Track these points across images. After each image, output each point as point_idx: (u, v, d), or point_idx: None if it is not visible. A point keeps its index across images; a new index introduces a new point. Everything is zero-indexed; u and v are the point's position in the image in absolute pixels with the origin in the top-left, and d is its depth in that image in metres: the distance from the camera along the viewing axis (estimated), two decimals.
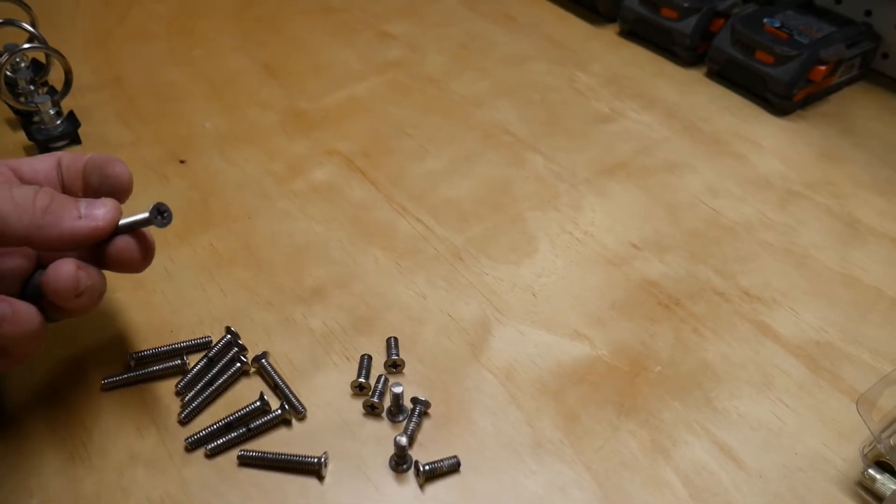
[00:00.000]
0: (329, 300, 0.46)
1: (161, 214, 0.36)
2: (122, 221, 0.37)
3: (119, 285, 0.47)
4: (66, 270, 0.34)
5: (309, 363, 0.43)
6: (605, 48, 0.72)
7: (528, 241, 0.51)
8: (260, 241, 0.50)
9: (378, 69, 0.68)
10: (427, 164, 0.57)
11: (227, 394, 0.41)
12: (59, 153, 0.40)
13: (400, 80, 0.67)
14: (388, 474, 0.38)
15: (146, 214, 0.36)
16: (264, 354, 0.42)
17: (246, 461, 0.38)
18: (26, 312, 0.34)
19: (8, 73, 0.57)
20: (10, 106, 0.57)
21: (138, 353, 0.42)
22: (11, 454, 0.38)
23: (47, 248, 0.35)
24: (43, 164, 0.39)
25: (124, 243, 0.37)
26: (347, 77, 0.67)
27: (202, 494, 0.37)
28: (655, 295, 0.47)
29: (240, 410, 0.40)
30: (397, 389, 0.39)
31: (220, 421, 0.39)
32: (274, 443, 0.39)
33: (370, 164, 0.57)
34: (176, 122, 0.60)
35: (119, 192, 0.38)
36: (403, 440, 0.37)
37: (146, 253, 0.38)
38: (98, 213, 0.35)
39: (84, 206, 0.35)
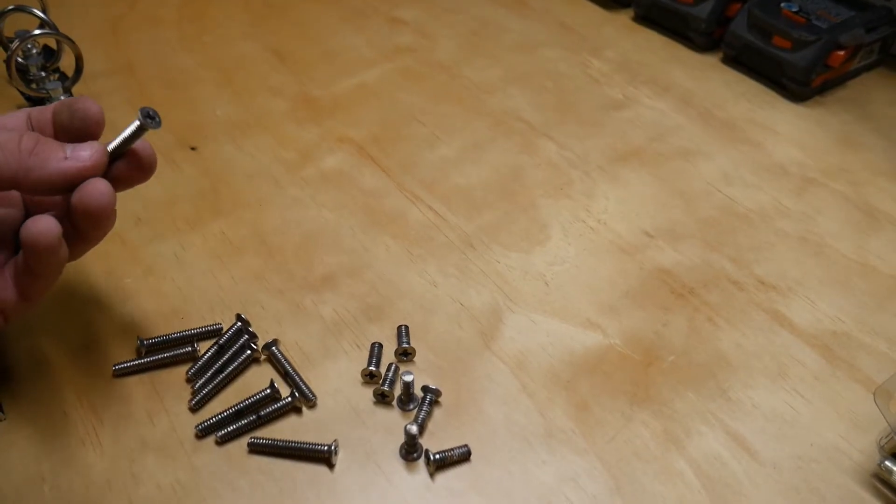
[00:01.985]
0: (340, 288, 0.46)
1: (151, 118, 0.36)
2: (112, 144, 0.37)
3: (129, 271, 0.47)
4: (102, 185, 0.35)
5: (319, 351, 0.43)
6: (619, 33, 0.71)
7: (540, 228, 0.51)
8: (270, 229, 0.50)
9: (389, 55, 0.68)
10: (439, 152, 0.57)
11: (237, 381, 0.41)
12: (27, 108, 0.39)
13: (411, 66, 0.66)
14: (398, 463, 0.38)
15: (136, 123, 0.36)
16: (275, 342, 0.42)
17: (256, 448, 0.38)
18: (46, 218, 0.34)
19: (19, 60, 0.56)
20: (21, 92, 0.57)
21: (149, 339, 0.42)
22: (23, 440, 0.38)
23: (35, 191, 0.35)
24: (13, 119, 0.38)
25: (122, 167, 0.37)
26: (358, 64, 0.66)
27: (212, 482, 0.37)
28: (669, 283, 0.47)
29: (250, 398, 0.39)
30: (408, 378, 0.39)
31: (231, 408, 0.39)
32: (284, 430, 0.39)
33: (381, 151, 0.56)
34: (187, 109, 0.60)
35: (92, 127, 0.38)
36: (414, 429, 0.37)
37: (147, 166, 0.38)
38: (83, 154, 0.35)
39: (70, 148, 0.35)
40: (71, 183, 0.35)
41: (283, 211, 0.51)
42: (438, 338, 0.43)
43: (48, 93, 0.56)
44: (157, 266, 0.47)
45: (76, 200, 0.35)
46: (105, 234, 0.38)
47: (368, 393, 0.41)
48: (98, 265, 0.47)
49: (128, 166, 0.37)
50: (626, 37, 0.71)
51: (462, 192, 0.53)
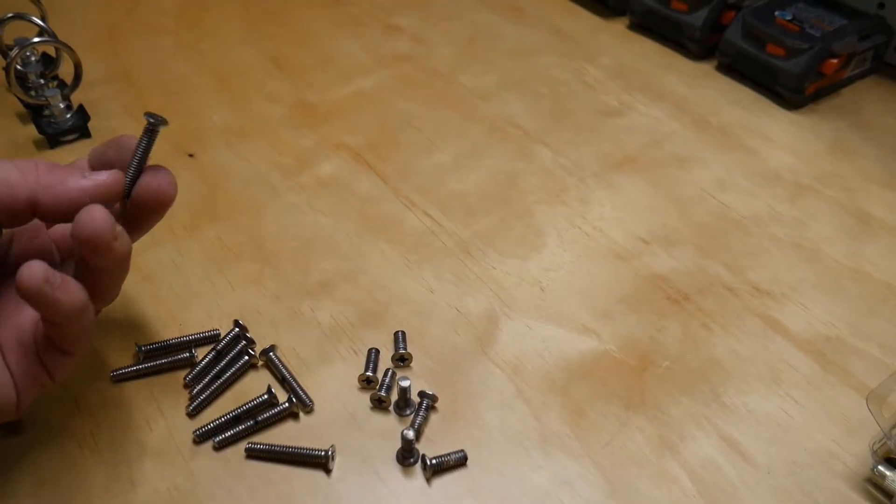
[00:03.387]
0: (336, 294, 0.46)
1: (155, 118, 0.36)
2: (132, 162, 0.37)
3: (127, 278, 0.47)
4: (98, 210, 0.32)
5: (316, 357, 0.43)
6: (614, 41, 0.72)
7: (536, 234, 0.51)
8: (267, 235, 0.50)
9: (385, 62, 0.68)
10: (434, 158, 0.57)
11: (234, 387, 0.41)
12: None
13: (407, 73, 0.67)
14: (394, 468, 0.38)
15: (147, 129, 0.36)
16: (272, 348, 0.42)
17: (253, 454, 0.38)
18: (73, 283, 0.32)
19: (18, 67, 0.57)
20: (20, 100, 0.57)
21: (147, 345, 0.42)
22: (21, 445, 0.38)
23: (55, 213, 0.34)
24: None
25: (146, 182, 0.36)
26: (355, 70, 0.67)
27: (209, 487, 0.37)
28: (664, 289, 0.47)
29: (247, 403, 0.40)
30: (405, 383, 0.39)
31: (228, 414, 0.39)
32: (281, 436, 0.39)
33: (378, 157, 0.57)
34: (184, 116, 0.60)
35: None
36: (410, 434, 0.37)
37: (168, 181, 0.37)
38: (101, 177, 0.35)
39: (87, 171, 0.35)
40: (90, 200, 0.34)
41: (279, 217, 0.52)
42: (435, 343, 0.44)
43: (47, 100, 0.56)
44: (155, 272, 0.47)
45: (74, 229, 0.32)
46: (113, 271, 0.36)
47: (365, 398, 0.41)
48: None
49: (148, 190, 0.36)
50: (621, 44, 0.72)
51: (458, 199, 0.53)
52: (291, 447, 0.38)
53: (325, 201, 0.53)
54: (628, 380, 0.42)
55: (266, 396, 0.40)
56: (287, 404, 0.39)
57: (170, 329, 0.44)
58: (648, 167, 0.57)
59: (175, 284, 0.47)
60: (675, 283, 0.48)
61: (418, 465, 0.38)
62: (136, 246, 0.49)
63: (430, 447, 0.39)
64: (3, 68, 0.60)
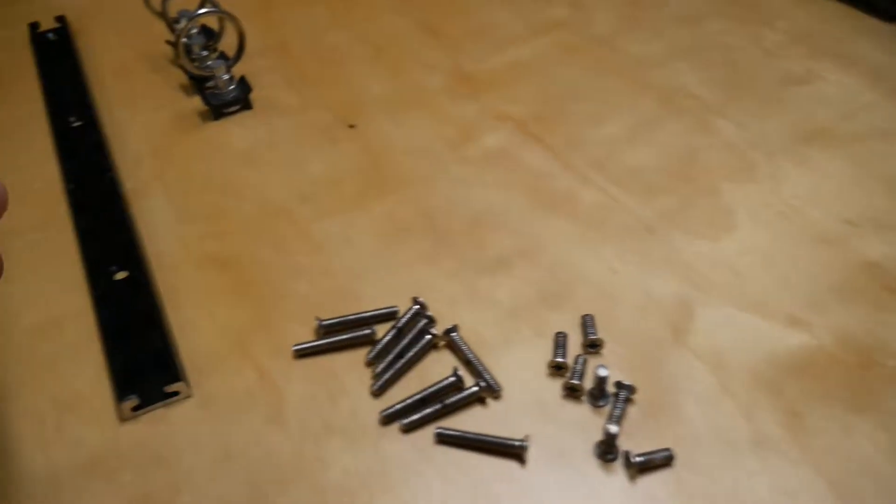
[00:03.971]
0: (515, 272, 0.44)
1: None
2: None
3: (298, 248, 0.46)
4: None
5: (498, 338, 0.41)
6: (790, 3, 0.66)
7: (725, 214, 0.47)
8: (437, 209, 0.48)
9: (541, 30, 0.64)
10: (605, 130, 0.53)
11: (417, 367, 0.40)
12: None
13: (566, 40, 0.63)
14: (593, 462, 0.35)
15: None
16: (455, 328, 0.40)
17: (444, 439, 0.36)
18: None
19: (184, 40, 0.57)
20: (186, 72, 0.58)
21: (327, 320, 0.41)
22: (211, 417, 0.38)
23: None
24: None
25: None
26: (510, 38, 0.63)
27: (400, 470, 0.35)
28: (880, 278, 0.42)
29: (434, 385, 0.38)
30: (603, 372, 0.37)
31: (415, 395, 0.38)
32: (468, 421, 0.37)
33: (544, 129, 0.54)
34: (342, 86, 0.59)
35: None
36: (614, 429, 0.35)
37: None
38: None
39: None
40: None
41: (448, 190, 0.50)
42: (625, 329, 0.41)
43: (212, 71, 0.56)
44: (327, 245, 0.46)
45: None
46: None
47: (555, 385, 0.38)
48: (267, 240, 0.47)
49: None
50: (798, 6, 0.65)
51: (635, 174, 0.50)
52: (485, 435, 0.36)
53: (494, 175, 0.50)
54: (849, 380, 0.38)
55: (453, 379, 0.38)
56: (476, 388, 0.37)
57: (346, 304, 0.43)
58: (845, 141, 0.51)
59: (347, 257, 0.46)
60: (893, 272, 0.42)
61: (618, 462, 0.35)
62: (306, 217, 0.48)
63: (628, 442, 0.36)
64: (170, 42, 0.61)
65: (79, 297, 0.44)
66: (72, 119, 0.56)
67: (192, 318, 0.42)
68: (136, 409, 0.38)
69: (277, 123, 0.56)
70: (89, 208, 0.48)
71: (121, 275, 0.44)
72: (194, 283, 0.45)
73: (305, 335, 0.41)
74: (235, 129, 0.56)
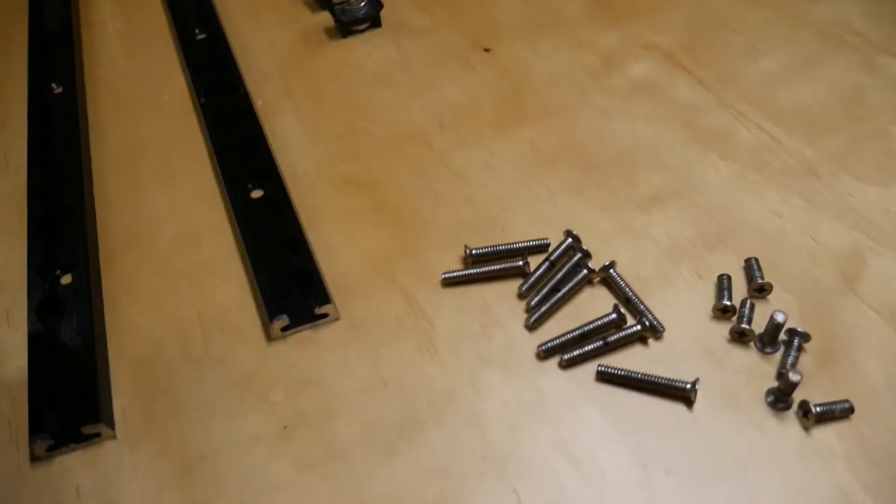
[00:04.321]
0: (669, 210, 0.42)
1: None
2: None
3: (438, 174, 0.44)
4: None
5: (657, 278, 0.39)
6: None
7: None
8: (582, 140, 0.46)
9: None
10: (761, 65, 0.50)
11: (572, 302, 0.38)
12: None
13: None
14: (765, 410, 0.34)
15: None
16: (612, 264, 0.38)
17: (606, 377, 0.35)
18: None
19: None
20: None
21: (477, 250, 0.40)
22: (363, 344, 0.37)
23: None
24: None
25: None
26: None
27: (560, 405, 0.34)
28: None
29: (594, 322, 0.36)
30: (780, 318, 0.34)
31: (575, 331, 0.36)
32: (629, 360, 0.36)
33: (694, 61, 0.50)
34: (474, 8, 0.56)
35: None
36: (797, 377, 0.32)
37: None
38: None
39: None
40: None
41: (593, 122, 0.47)
42: (792, 276, 0.38)
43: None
44: (467, 173, 0.45)
45: None
46: None
47: (720, 329, 0.36)
48: (405, 165, 0.45)
49: None
50: None
51: (796, 113, 0.46)
52: (651, 375, 0.34)
53: (642, 107, 0.48)
54: None
55: (614, 316, 0.36)
56: (638, 327, 0.36)
57: (490, 234, 0.41)
58: None
59: (490, 186, 0.44)
60: None
61: (791, 411, 0.33)
62: (445, 143, 0.46)
63: (800, 393, 0.34)
64: None
65: (214, 211, 0.44)
66: (197, 31, 0.54)
67: (333, 241, 0.41)
68: (284, 329, 0.37)
69: (408, 44, 0.53)
70: (222, 123, 0.47)
71: (256, 193, 0.43)
72: (332, 206, 0.43)
73: (451, 264, 0.40)
74: (364, 47, 0.54)
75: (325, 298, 0.38)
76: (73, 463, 0.34)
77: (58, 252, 0.40)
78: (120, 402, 0.35)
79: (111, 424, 0.34)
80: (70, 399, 0.34)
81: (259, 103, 0.49)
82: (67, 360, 0.36)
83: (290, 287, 0.39)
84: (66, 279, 0.40)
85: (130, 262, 0.41)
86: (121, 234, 0.43)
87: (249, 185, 0.43)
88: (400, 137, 0.47)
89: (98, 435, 0.34)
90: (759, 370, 0.35)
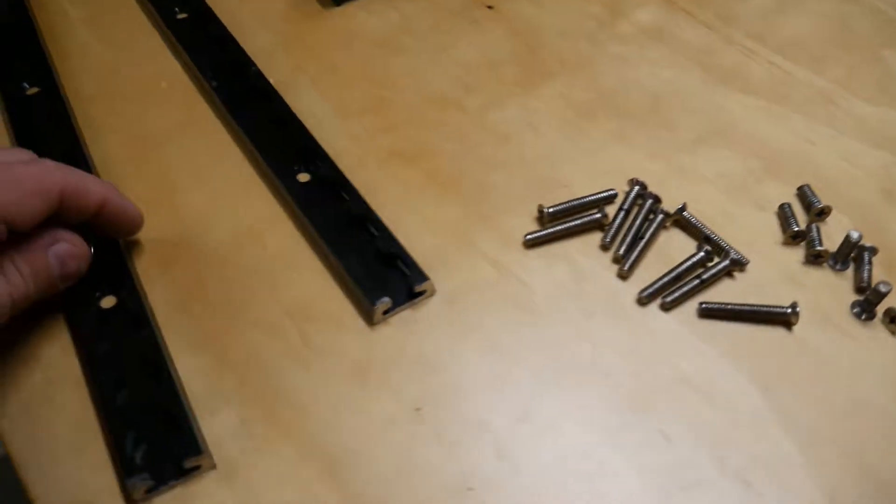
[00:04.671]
0: (714, 150, 0.44)
1: None
2: None
3: (482, 139, 0.44)
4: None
5: (721, 214, 0.41)
6: None
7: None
8: (611, 90, 0.47)
9: None
10: (753, 1, 0.52)
11: (653, 247, 0.39)
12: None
13: None
14: (854, 322, 0.37)
15: None
16: (684, 206, 0.40)
17: (709, 313, 0.37)
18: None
19: None
20: None
21: (552, 207, 0.40)
22: (460, 314, 0.37)
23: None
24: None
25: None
26: None
27: (673, 345, 0.36)
28: None
29: (685, 262, 0.38)
30: (855, 235, 0.37)
31: (670, 273, 0.38)
32: (723, 294, 0.38)
33: (692, 2, 0.52)
34: None
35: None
36: (887, 287, 0.36)
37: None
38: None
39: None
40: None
41: (615, 70, 0.48)
42: (839, 198, 0.41)
43: None
44: (510, 133, 0.45)
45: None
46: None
47: (793, 254, 0.39)
48: (444, 132, 0.44)
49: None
50: None
51: (797, 45, 0.50)
52: (752, 304, 0.36)
53: (657, 52, 0.49)
54: None
55: (702, 254, 0.38)
56: (727, 262, 0.38)
57: (552, 191, 0.42)
58: None
59: (537, 144, 0.44)
60: None
61: (877, 319, 0.37)
62: (478, 105, 0.46)
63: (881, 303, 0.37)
64: None
65: (264, 202, 0.41)
66: (176, 10, 0.50)
67: (400, 217, 0.40)
68: (385, 311, 0.36)
69: (406, 7, 0.52)
70: (245, 107, 0.44)
71: (303, 177, 0.41)
72: (386, 181, 0.42)
73: (525, 224, 0.40)
74: (363, 14, 0.52)
75: (422, 275, 0.37)
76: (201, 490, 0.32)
77: (93, 274, 0.37)
78: (236, 412, 0.33)
79: (208, 452, 0.32)
80: (158, 431, 0.32)
81: (272, 81, 0.47)
82: (140, 387, 0.33)
83: (382, 269, 0.37)
84: (107, 302, 0.36)
85: (186, 270, 0.38)
86: (165, 242, 0.40)
87: (295, 169, 0.41)
88: (430, 104, 0.46)
89: (199, 467, 0.32)
90: (838, 287, 0.38)
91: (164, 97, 0.46)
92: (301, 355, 0.35)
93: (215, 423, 0.33)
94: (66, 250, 0.34)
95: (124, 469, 0.31)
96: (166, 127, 0.45)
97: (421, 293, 0.37)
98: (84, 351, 0.35)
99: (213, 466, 0.32)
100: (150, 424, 0.32)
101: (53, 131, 0.44)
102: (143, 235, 0.40)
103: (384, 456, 0.32)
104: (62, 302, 0.36)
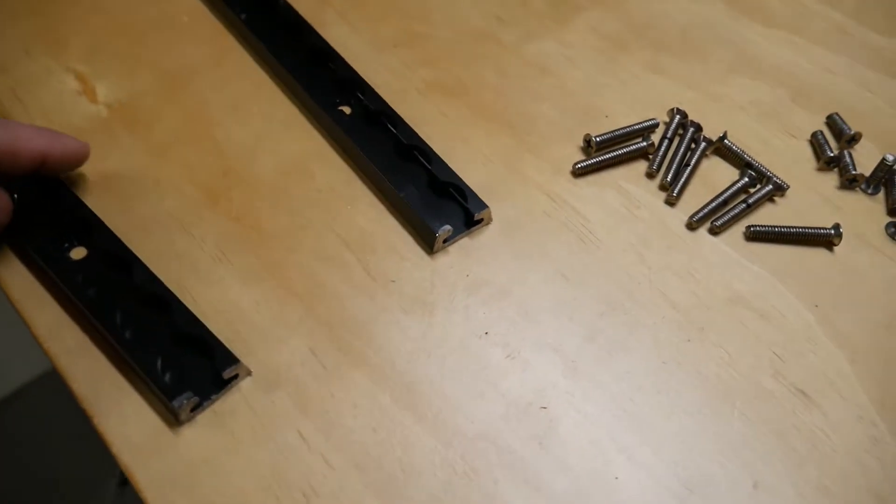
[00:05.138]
0: (744, 79, 0.45)
1: None
2: None
3: (524, 71, 0.44)
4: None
5: (756, 142, 0.42)
6: None
7: None
8: (641, 22, 0.47)
9: None
10: None
11: (697, 173, 0.41)
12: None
13: None
14: (889, 241, 0.39)
15: None
16: (725, 134, 0.41)
17: (757, 236, 0.38)
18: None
19: None
20: None
21: (600, 136, 0.41)
22: (516, 244, 0.37)
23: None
24: None
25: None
26: None
27: (724, 266, 0.37)
28: None
29: (731, 187, 0.39)
30: (890, 158, 0.39)
31: (717, 198, 0.39)
32: (763, 218, 0.39)
33: None
34: None
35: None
36: None
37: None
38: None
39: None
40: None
41: (640, 3, 0.48)
42: (865, 125, 0.43)
43: None
44: (549, 65, 0.45)
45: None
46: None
47: (827, 179, 0.41)
48: (485, 64, 0.44)
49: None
50: None
51: None
52: (799, 226, 0.38)
53: None
54: None
55: (747, 179, 0.39)
56: (770, 187, 0.39)
57: (596, 120, 0.42)
58: None
59: (576, 76, 0.44)
60: None
61: None
62: (513, 39, 0.46)
63: None
64: None
65: (308, 135, 0.41)
66: None
67: (449, 147, 0.40)
68: (445, 240, 0.37)
69: None
70: (278, 40, 0.43)
71: (346, 109, 0.41)
72: (430, 114, 0.42)
73: (572, 153, 0.41)
74: None
75: (481, 203, 0.37)
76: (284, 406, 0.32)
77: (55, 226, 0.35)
78: (304, 342, 0.34)
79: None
80: (183, 352, 0.32)
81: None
82: (148, 320, 0.33)
83: (436, 198, 0.38)
84: (77, 253, 0.35)
85: (240, 200, 0.38)
86: (211, 174, 0.39)
87: (337, 101, 0.41)
88: (466, 37, 0.46)
89: (237, 377, 0.32)
90: (872, 209, 0.40)
91: (189, 31, 0.45)
92: (364, 285, 0.36)
93: (284, 351, 0.33)
94: None
95: (164, 394, 0.31)
96: (195, 62, 0.43)
97: (479, 221, 0.37)
98: (77, 303, 0.33)
99: (249, 373, 0.33)
100: (172, 349, 0.32)
101: None
102: (186, 168, 0.39)
103: (456, 380, 0.33)
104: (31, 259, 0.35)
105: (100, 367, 0.32)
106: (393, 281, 0.36)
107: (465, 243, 0.37)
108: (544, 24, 0.47)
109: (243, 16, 0.44)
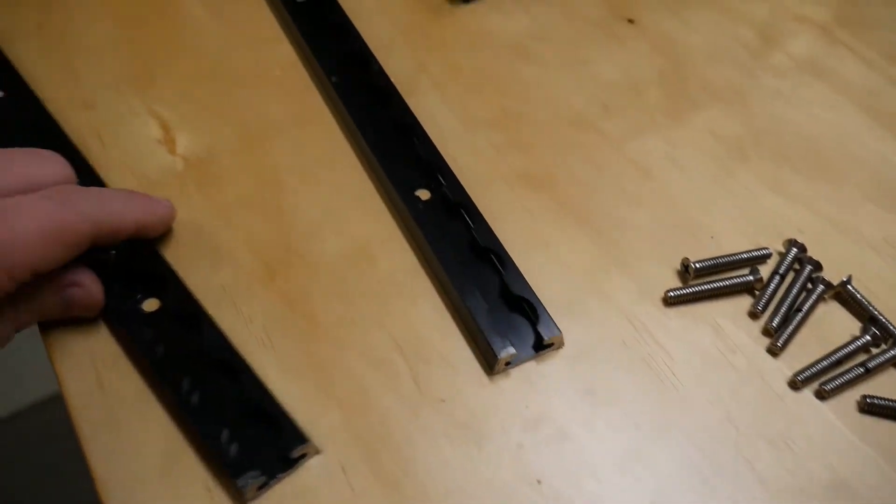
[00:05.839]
0: (880, 211, 0.39)
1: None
2: None
3: (622, 169, 0.40)
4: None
5: (886, 289, 0.36)
6: None
7: None
8: (764, 129, 0.42)
9: None
10: None
11: (809, 320, 0.35)
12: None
13: None
14: None
15: None
16: (849, 279, 0.35)
17: (872, 409, 0.32)
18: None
19: None
20: None
21: (700, 262, 0.36)
22: (584, 375, 0.33)
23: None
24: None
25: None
26: None
27: (829, 441, 0.32)
28: None
29: (849, 344, 0.34)
30: None
31: (830, 356, 0.33)
32: (882, 387, 0.33)
33: (853, 36, 0.47)
34: None
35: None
36: None
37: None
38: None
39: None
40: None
41: (768, 107, 0.43)
42: None
43: None
44: (652, 167, 0.40)
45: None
46: None
47: None
48: (580, 156, 0.40)
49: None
50: None
51: None
52: None
53: (815, 89, 0.44)
54: None
55: (868, 338, 0.34)
56: (894, 351, 0.33)
57: (697, 240, 0.38)
58: None
59: (681, 183, 0.40)
60: None
61: None
62: (617, 131, 0.42)
63: None
64: None
65: (378, 216, 0.38)
66: None
67: (526, 251, 0.37)
68: (507, 363, 0.33)
69: (539, 12, 0.48)
70: (364, 107, 0.41)
71: (423, 193, 0.38)
72: (511, 208, 0.38)
73: (665, 276, 0.36)
74: (492, 15, 0.47)
75: (554, 327, 0.33)
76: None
77: (130, 278, 0.34)
78: (337, 456, 0.30)
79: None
80: (250, 426, 0.30)
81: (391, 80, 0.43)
82: (215, 386, 0.31)
83: (506, 311, 0.34)
84: (150, 305, 0.33)
85: (296, 280, 0.35)
86: (276, 245, 0.37)
87: (415, 183, 0.38)
88: (564, 123, 0.42)
89: (304, 456, 0.30)
90: None
91: (278, 85, 0.43)
92: (411, 398, 0.32)
93: (314, 464, 0.30)
94: (79, 297, 0.32)
95: (229, 470, 0.29)
96: (277, 119, 0.41)
97: (549, 345, 0.33)
98: (140, 359, 0.32)
99: (318, 452, 0.30)
100: (240, 421, 0.30)
101: None
102: (249, 235, 0.37)
103: None
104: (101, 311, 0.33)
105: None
106: (443, 400, 0.32)
107: (529, 367, 0.33)
108: (655, 118, 0.42)
109: (333, 78, 0.42)
